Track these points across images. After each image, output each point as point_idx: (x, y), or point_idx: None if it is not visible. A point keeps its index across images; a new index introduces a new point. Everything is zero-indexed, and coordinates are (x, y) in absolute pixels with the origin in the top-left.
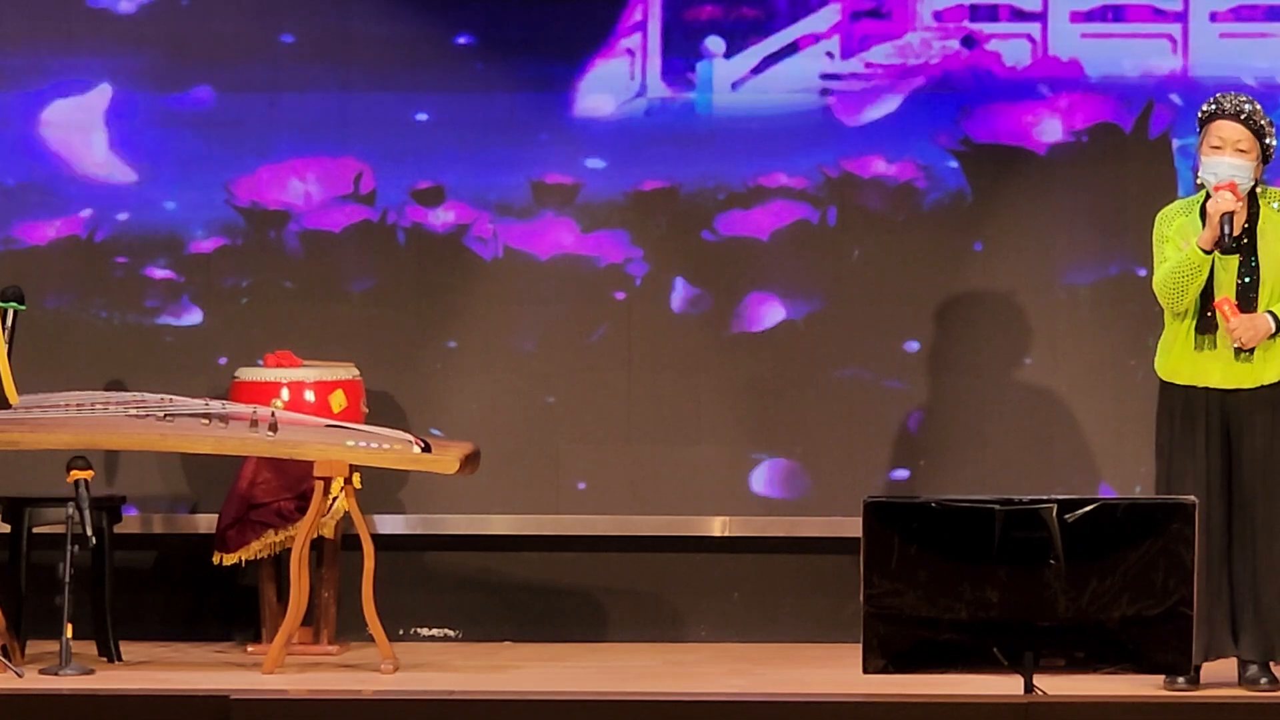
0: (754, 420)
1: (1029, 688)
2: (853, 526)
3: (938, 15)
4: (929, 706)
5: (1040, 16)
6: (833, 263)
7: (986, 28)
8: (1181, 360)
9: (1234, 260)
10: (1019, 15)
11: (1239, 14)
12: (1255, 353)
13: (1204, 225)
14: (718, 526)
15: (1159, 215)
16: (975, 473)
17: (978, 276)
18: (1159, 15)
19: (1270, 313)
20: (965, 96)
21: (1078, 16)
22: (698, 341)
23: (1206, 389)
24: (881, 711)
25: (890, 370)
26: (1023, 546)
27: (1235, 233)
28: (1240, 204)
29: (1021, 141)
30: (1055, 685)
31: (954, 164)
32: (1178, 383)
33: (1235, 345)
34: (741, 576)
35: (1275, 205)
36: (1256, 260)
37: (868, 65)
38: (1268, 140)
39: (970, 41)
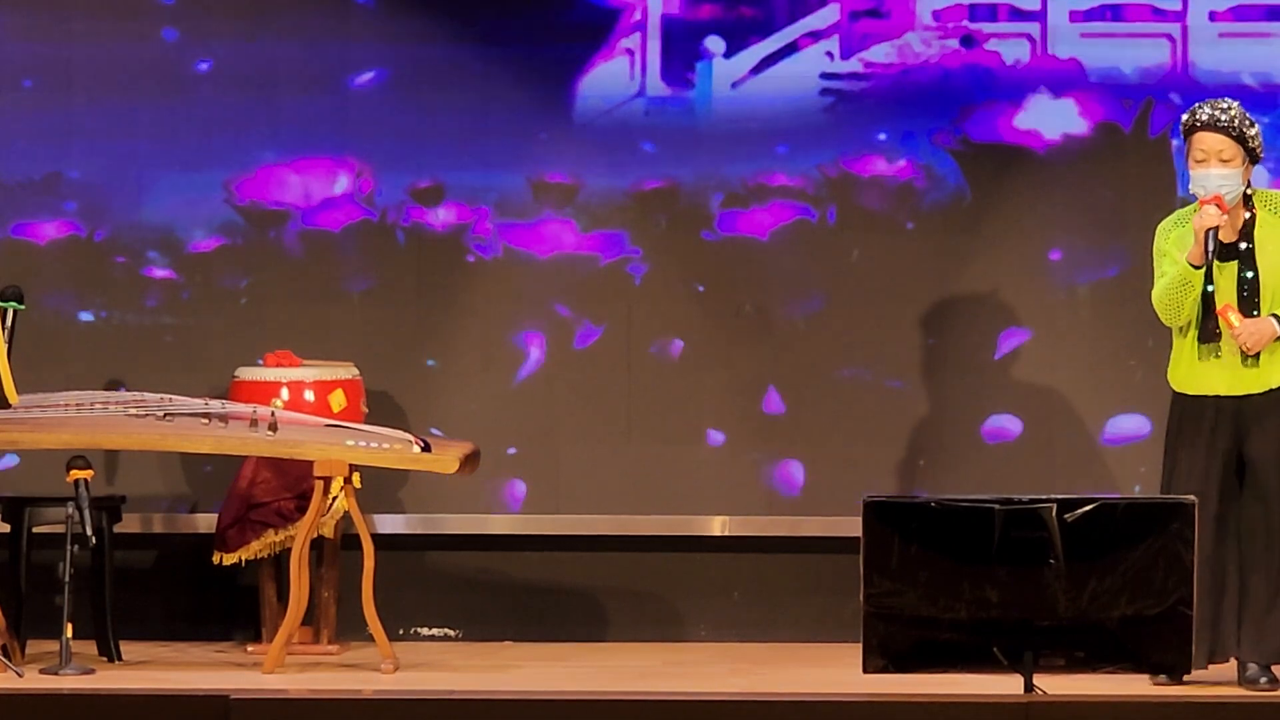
0: (754, 420)
1: (1029, 687)
2: (853, 526)
3: (937, 15)
4: (929, 706)
5: (1039, 16)
6: (833, 263)
7: (986, 27)
8: (1190, 371)
9: (1233, 266)
10: (1018, 15)
11: (1238, 14)
12: (1261, 357)
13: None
14: (718, 526)
15: (1158, 228)
16: (975, 473)
17: (978, 276)
18: (1158, 15)
19: (1275, 316)
20: (965, 96)
21: (1077, 16)
22: (698, 341)
23: (1216, 397)
24: (881, 711)
25: (890, 370)
26: (1022, 546)
27: (1231, 238)
28: (1224, 217)
29: (1021, 141)
30: (1055, 685)
31: (953, 164)
32: (1189, 393)
33: (1241, 350)
34: (741, 576)
35: (1272, 210)
36: (1255, 266)
37: (867, 65)
38: (1251, 143)
39: (969, 41)
